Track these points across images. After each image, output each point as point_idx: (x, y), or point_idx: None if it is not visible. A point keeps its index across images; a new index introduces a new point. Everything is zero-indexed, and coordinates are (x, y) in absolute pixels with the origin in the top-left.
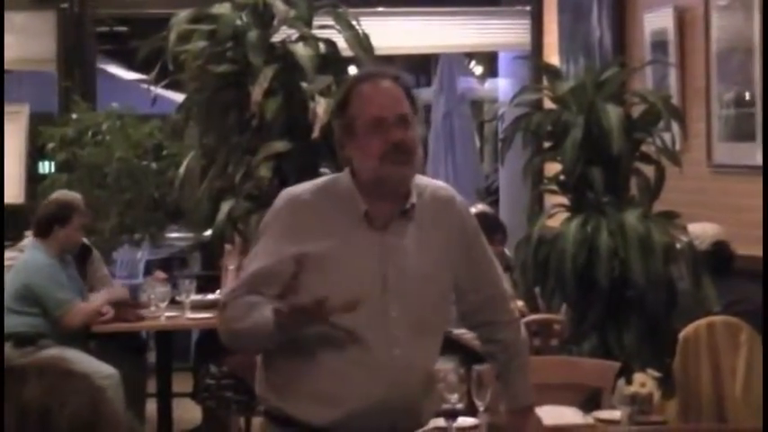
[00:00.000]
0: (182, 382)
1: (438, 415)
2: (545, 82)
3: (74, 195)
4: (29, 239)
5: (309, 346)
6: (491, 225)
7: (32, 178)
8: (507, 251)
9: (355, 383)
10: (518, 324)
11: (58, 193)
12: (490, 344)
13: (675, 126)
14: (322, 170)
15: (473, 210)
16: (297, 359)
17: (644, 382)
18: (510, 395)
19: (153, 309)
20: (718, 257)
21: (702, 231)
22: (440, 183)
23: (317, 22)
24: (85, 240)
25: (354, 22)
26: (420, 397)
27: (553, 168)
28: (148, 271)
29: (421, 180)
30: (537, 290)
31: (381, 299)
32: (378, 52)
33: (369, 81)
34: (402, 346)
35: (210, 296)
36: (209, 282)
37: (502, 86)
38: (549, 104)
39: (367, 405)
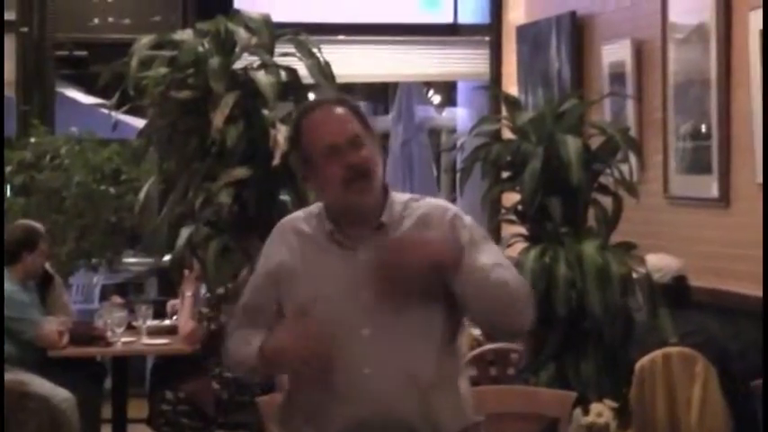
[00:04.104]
0: (137, 408)
1: None
2: (504, 112)
3: (34, 223)
4: None
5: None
6: None
7: None
8: None
9: (331, 404)
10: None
11: (19, 221)
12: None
13: (633, 158)
14: (282, 197)
15: None
16: (290, 383)
17: (601, 412)
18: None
19: (109, 334)
20: (678, 291)
21: (666, 264)
22: (435, 200)
23: (278, 49)
24: (48, 267)
25: (316, 51)
26: (412, 419)
27: (511, 198)
28: (104, 296)
29: (412, 200)
30: None
31: (353, 318)
32: (338, 80)
33: (315, 111)
34: (375, 366)
35: (167, 321)
36: (165, 307)
37: (460, 116)
38: (508, 135)
39: (353, 425)
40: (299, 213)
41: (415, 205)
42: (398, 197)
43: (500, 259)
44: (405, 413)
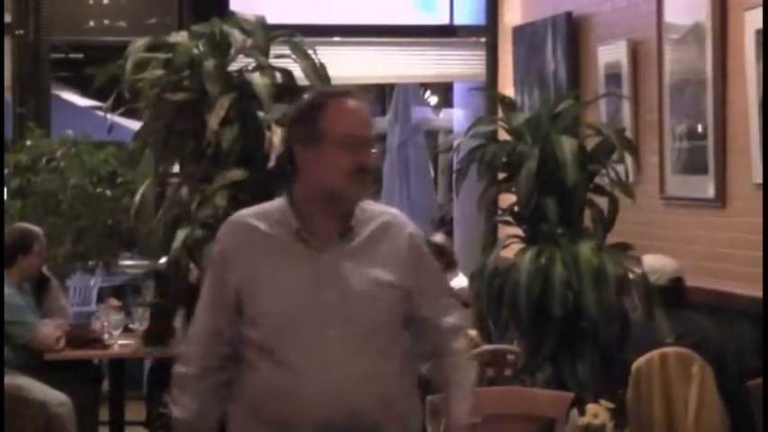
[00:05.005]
0: (134, 411)
1: None
2: (500, 113)
3: (30, 225)
4: None
5: (252, 369)
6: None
7: None
8: (462, 278)
9: (295, 406)
10: (464, 354)
11: (15, 224)
12: (437, 372)
13: (629, 158)
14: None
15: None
16: (246, 383)
17: (597, 412)
18: (447, 412)
19: (106, 336)
20: (675, 292)
21: (662, 266)
22: (393, 210)
23: (273, 51)
24: (45, 270)
25: (311, 52)
26: (377, 419)
27: (507, 199)
28: (101, 298)
29: (374, 206)
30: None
31: (317, 319)
32: (334, 82)
33: (347, 97)
34: (341, 368)
35: None
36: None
37: (456, 117)
38: (504, 136)
39: (320, 428)
40: (249, 211)
41: (371, 212)
42: (362, 203)
43: (450, 300)
44: (372, 414)
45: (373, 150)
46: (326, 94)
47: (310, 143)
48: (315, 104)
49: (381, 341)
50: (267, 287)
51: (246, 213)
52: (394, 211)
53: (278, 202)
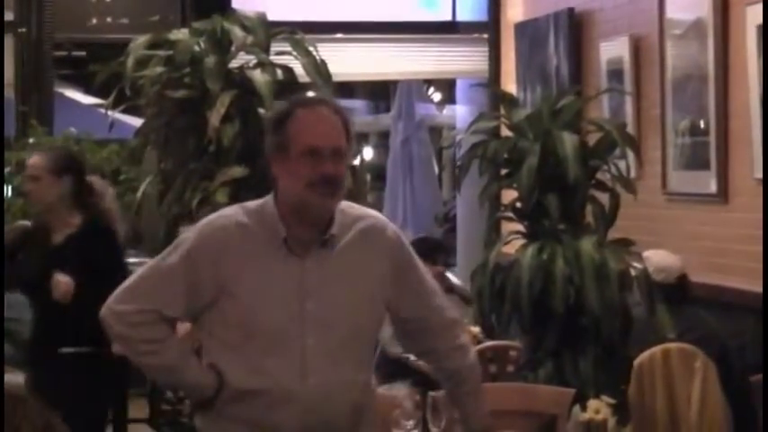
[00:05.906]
0: (138, 408)
1: None
2: (502, 110)
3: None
4: None
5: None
6: (430, 247)
7: None
8: (453, 275)
9: (270, 412)
10: (465, 350)
11: (16, 222)
12: (439, 371)
13: (630, 154)
14: None
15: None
16: (229, 395)
17: (599, 408)
18: (463, 419)
19: None
20: (680, 289)
21: (669, 265)
22: (373, 212)
23: (274, 48)
24: None
25: (312, 49)
26: (348, 426)
27: (509, 195)
28: None
29: (354, 210)
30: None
31: (297, 326)
32: (336, 79)
33: (311, 107)
34: (318, 375)
35: None
36: None
37: (460, 113)
38: (505, 132)
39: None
40: (239, 210)
41: (351, 218)
42: (342, 207)
43: (441, 297)
44: (345, 422)
45: (342, 159)
46: (293, 104)
47: (279, 154)
48: (282, 115)
49: (358, 350)
50: (253, 293)
51: (239, 213)
52: (374, 213)
53: (267, 204)
